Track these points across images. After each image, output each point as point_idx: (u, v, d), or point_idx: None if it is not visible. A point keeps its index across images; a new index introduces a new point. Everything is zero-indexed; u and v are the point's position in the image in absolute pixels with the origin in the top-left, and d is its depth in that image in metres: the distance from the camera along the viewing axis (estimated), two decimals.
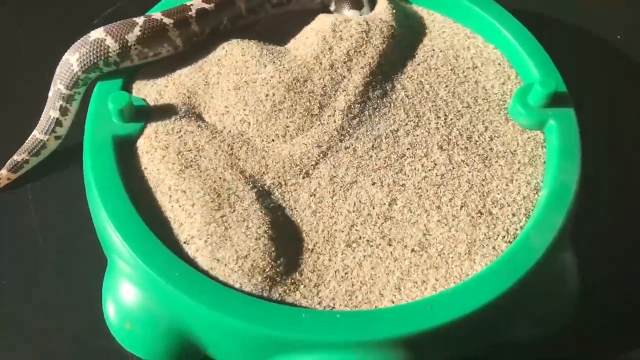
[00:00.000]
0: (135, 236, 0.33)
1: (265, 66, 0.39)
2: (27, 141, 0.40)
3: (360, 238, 0.34)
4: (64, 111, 0.39)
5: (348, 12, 0.43)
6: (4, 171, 0.40)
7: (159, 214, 0.34)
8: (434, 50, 0.42)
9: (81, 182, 0.37)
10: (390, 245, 0.34)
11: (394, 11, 0.43)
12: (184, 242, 0.33)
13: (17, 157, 0.40)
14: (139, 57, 0.39)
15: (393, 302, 0.32)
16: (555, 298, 0.35)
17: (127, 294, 0.33)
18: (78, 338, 0.36)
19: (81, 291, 0.37)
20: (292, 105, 0.38)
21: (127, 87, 0.39)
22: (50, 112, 0.39)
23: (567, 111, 0.38)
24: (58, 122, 0.39)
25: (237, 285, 0.32)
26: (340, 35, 0.41)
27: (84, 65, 0.38)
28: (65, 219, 0.40)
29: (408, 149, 0.37)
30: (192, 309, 0.31)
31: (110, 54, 0.38)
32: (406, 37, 0.43)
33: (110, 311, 0.34)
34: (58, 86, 0.39)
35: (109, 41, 0.37)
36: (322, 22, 0.42)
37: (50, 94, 0.39)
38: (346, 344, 0.30)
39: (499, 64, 0.42)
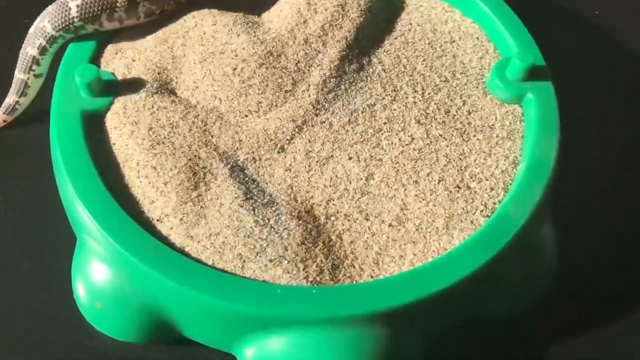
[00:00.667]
0: (105, 213, 0.32)
1: (239, 35, 0.38)
2: (13, 82, 0.39)
3: (337, 212, 0.33)
4: (42, 50, 0.38)
5: None
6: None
7: (128, 191, 0.33)
8: (411, 24, 0.42)
9: (48, 157, 0.36)
10: (367, 220, 0.33)
11: None
12: (157, 220, 0.32)
13: (8, 99, 0.40)
14: (145, 13, 0.38)
15: (372, 277, 0.31)
16: (533, 272, 0.35)
17: (97, 273, 0.32)
18: (47, 317, 0.35)
19: (50, 269, 0.36)
20: (262, 82, 0.37)
21: (95, 61, 0.38)
22: (28, 49, 0.38)
23: (545, 85, 0.38)
24: (35, 61, 0.38)
25: (209, 262, 0.31)
26: (315, 8, 0.40)
27: (85, 14, 0.36)
28: (32, 196, 0.39)
29: (385, 123, 0.37)
30: (163, 286, 0.30)
31: (117, 9, 0.37)
32: (384, 10, 0.42)
33: (80, 291, 0.33)
34: (44, 24, 0.37)
35: None
36: None
37: (31, 30, 0.38)
38: (320, 320, 0.30)
39: (477, 37, 0.41)
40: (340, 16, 0.40)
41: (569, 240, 0.37)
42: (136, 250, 0.31)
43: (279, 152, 0.35)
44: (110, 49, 0.39)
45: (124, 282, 0.32)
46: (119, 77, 0.37)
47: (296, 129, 0.36)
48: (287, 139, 0.36)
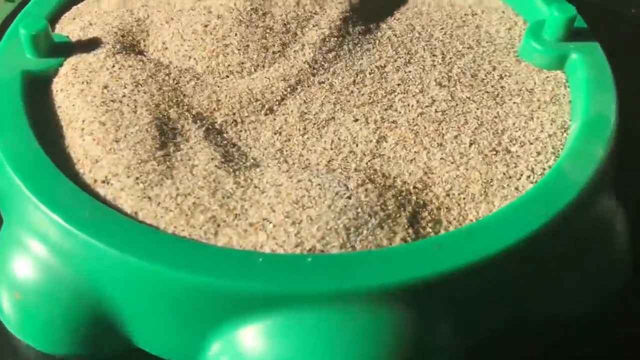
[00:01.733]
0: (34, 173, 0.24)
1: None
2: None
3: (345, 168, 0.26)
4: None
5: None
6: None
7: (67, 152, 0.26)
8: None
9: None
10: (386, 177, 0.25)
11: None
12: (102, 181, 0.25)
13: None
14: None
15: (406, 242, 0.23)
16: (600, 262, 0.27)
17: (20, 253, 0.24)
18: None
19: None
20: (241, 41, 0.30)
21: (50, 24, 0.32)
22: None
23: (590, 44, 0.31)
24: None
25: (169, 229, 0.23)
26: None
27: None
28: None
29: (398, 84, 0.30)
30: (107, 260, 0.22)
31: None
32: None
33: None
34: None
35: None
36: None
37: None
38: (316, 296, 0.21)
39: (503, 11, 0.35)
40: None
41: None
42: (68, 212, 0.23)
43: (266, 114, 0.28)
44: (68, 15, 0.33)
45: (54, 260, 0.23)
46: (74, 40, 0.31)
47: (288, 89, 0.29)
48: (276, 100, 0.29)
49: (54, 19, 0.32)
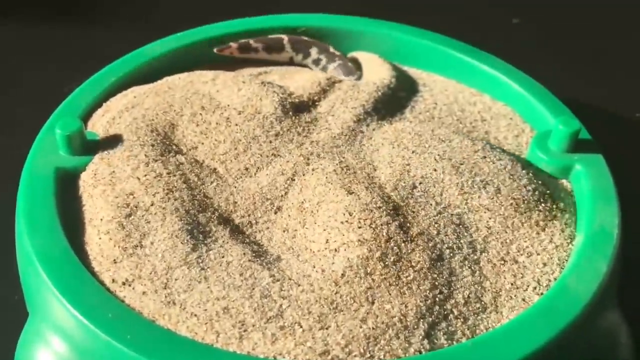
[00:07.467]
0: (61, 271, 0.26)
1: (240, 90, 0.34)
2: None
3: (345, 244, 0.27)
4: None
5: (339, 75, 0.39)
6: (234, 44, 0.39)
7: (87, 249, 0.27)
8: (436, 103, 0.37)
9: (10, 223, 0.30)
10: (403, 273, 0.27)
11: (389, 66, 0.39)
12: (123, 283, 0.26)
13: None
14: None
15: (420, 353, 0.24)
16: None
17: (41, 348, 0.25)
18: None
19: None
20: (249, 147, 0.32)
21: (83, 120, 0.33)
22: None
23: (594, 157, 0.32)
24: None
25: (190, 335, 0.24)
26: (333, 87, 0.36)
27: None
28: None
29: (420, 183, 0.31)
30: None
31: None
32: (404, 90, 0.38)
33: None
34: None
35: None
36: (315, 73, 0.38)
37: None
38: None
39: (511, 118, 0.37)
40: (356, 92, 0.36)
41: None
42: (92, 313, 0.24)
43: (275, 213, 0.30)
44: (99, 112, 0.34)
45: (71, 356, 0.24)
46: (102, 137, 0.32)
47: (288, 182, 0.31)
48: (280, 195, 0.30)
49: (87, 115, 0.34)
